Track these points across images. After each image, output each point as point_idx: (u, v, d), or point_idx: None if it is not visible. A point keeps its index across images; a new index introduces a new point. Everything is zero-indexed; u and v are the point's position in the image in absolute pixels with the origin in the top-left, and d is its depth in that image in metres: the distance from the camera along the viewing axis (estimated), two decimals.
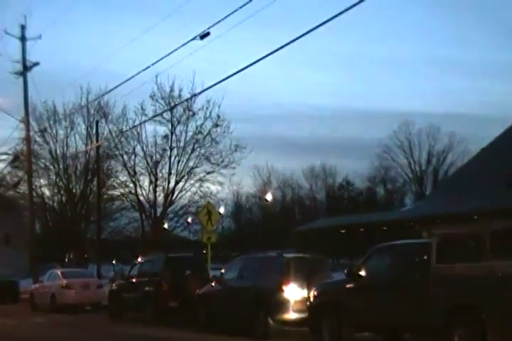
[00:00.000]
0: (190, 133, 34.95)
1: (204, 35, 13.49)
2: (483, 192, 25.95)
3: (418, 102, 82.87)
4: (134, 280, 18.43)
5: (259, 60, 12.79)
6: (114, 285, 19.97)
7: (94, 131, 35.46)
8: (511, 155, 27.19)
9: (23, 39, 28.34)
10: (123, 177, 36.77)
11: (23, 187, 36.92)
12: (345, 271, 11.66)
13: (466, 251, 9.55)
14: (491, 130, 48.44)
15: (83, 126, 38.61)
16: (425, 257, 10.04)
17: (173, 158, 35.33)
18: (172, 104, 33.39)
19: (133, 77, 17.82)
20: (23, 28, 28.34)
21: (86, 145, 38.11)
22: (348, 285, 11.38)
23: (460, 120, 62.23)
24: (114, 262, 44.53)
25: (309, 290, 12.45)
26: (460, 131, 58.07)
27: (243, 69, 13.41)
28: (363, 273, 11.19)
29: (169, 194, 35.71)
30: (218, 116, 34.34)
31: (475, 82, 76.40)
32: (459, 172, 35.70)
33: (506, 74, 73.76)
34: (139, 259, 20.21)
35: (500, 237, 9.04)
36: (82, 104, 36.57)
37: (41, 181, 39.44)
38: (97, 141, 33.45)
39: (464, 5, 74.25)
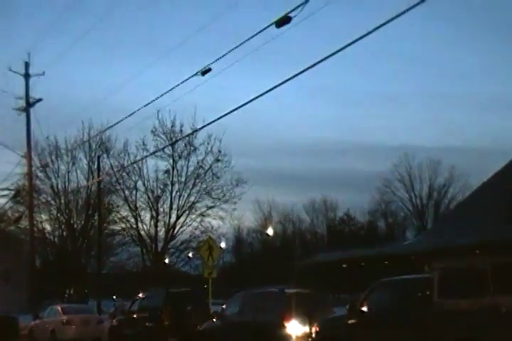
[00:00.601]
0: (191, 168, 35.25)
1: (205, 71, 13.73)
2: (484, 225, 25.97)
3: (418, 136, 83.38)
4: (134, 315, 18.33)
5: (260, 95, 12.99)
6: (114, 320, 19.86)
7: (95, 165, 35.68)
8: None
9: (26, 76, 28.79)
10: (124, 211, 36.88)
11: (24, 223, 36.87)
12: (347, 307, 11.64)
13: (468, 285, 9.56)
14: (491, 164, 48.66)
15: (85, 161, 38.89)
16: (427, 292, 10.06)
17: (174, 193, 35.53)
18: (173, 139, 33.74)
19: (134, 112, 18.11)
20: (27, 65, 28.81)
21: (87, 180, 38.28)
22: (350, 321, 11.34)
23: (460, 154, 62.58)
24: (114, 297, 44.12)
25: (311, 325, 12.41)
26: (461, 165, 58.29)
27: (244, 104, 13.61)
28: (364, 308, 11.18)
29: (170, 229, 35.73)
30: (219, 151, 34.69)
31: (475, 116, 77.13)
32: (460, 206, 35.75)
33: (507, 108, 74.54)
34: (140, 294, 20.13)
35: (501, 271, 9.08)
36: (84, 139, 36.91)
37: (42, 216, 39.45)
38: (99, 175, 33.63)
39: (462, 40, 75.56)
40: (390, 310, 10.83)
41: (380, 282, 11.63)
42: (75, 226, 39.80)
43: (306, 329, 12.61)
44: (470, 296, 9.33)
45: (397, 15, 9.88)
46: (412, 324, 10.10)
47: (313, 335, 12.06)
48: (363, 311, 11.18)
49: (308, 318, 12.70)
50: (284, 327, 12.73)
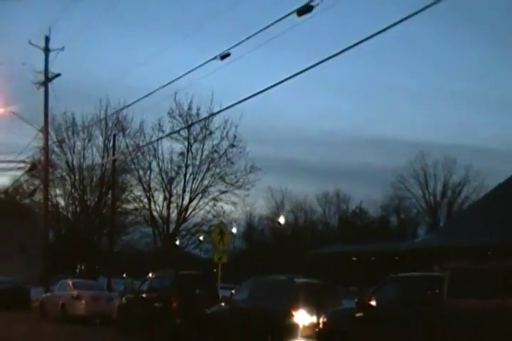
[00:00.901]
0: (206, 152, 35.25)
1: (224, 56, 13.67)
2: (497, 227, 25.81)
3: (435, 134, 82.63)
4: (144, 295, 18.52)
5: (278, 83, 12.90)
6: (124, 299, 20.07)
7: (111, 144, 35.79)
8: None
9: (46, 50, 28.91)
10: (137, 191, 37.06)
11: (39, 196, 37.32)
12: (356, 300, 11.72)
13: (478, 286, 9.60)
14: (508, 165, 48.25)
15: (100, 139, 39.01)
16: (436, 291, 10.10)
17: (188, 176, 35.61)
18: (189, 122, 33.75)
19: (152, 93, 18.12)
20: (47, 39, 28.90)
21: (102, 157, 38.46)
22: (357, 315, 11.43)
23: (477, 154, 62.03)
24: (124, 276, 44.59)
25: (318, 316, 12.51)
26: (476, 165, 57.88)
27: (262, 91, 13.53)
28: (373, 303, 11.25)
29: (183, 211, 35.89)
30: (235, 137, 34.63)
31: (494, 117, 76.35)
32: (474, 206, 35.49)
33: None
34: (150, 275, 20.34)
35: None
36: (101, 117, 36.95)
37: (57, 191, 39.81)
38: (114, 154, 33.80)
39: (486, 41, 74.55)
40: (398, 306, 10.90)
41: (390, 277, 11.70)
42: (89, 203, 40.14)
43: (313, 319, 12.71)
44: (480, 297, 9.37)
45: (420, 11, 9.79)
46: (419, 321, 10.16)
47: (321, 326, 12.17)
48: (371, 305, 11.26)
49: (316, 309, 12.80)
50: (291, 315, 12.83)
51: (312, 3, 10.99)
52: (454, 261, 10.94)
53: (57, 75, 28.96)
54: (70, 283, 23.06)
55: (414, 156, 59.83)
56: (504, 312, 8.92)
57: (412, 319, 10.39)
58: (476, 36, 72.60)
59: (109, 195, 36.43)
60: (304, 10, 11.13)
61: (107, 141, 38.40)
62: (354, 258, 40.72)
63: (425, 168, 60.72)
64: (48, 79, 28.99)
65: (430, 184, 61.54)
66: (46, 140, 29.74)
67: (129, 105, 23.03)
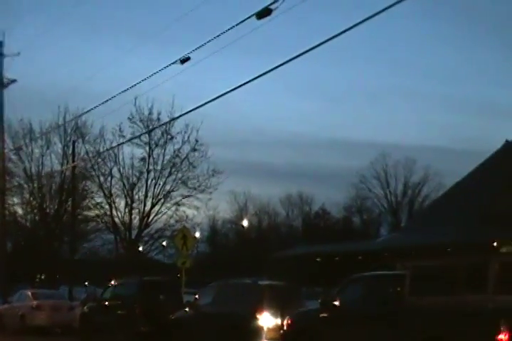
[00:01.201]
0: (167, 157, 34.94)
1: (184, 60, 13.67)
2: (457, 225, 26.34)
3: (395, 134, 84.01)
4: (106, 303, 18.23)
5: (240, 86, 12.96)
6: (85, 307, 19.72)
7: (70, 150, 35.24)
8: (485, 190, 27.73)
9: (0, 55, 28.28)
10: (98, 198, 36.48)
11: None
12: (320, 301, 11.75)
13: (440, 284, 9.72)
14: (465, 164, 49.31)
15: (59, 146, 38.28)
16: (398, 289, 10.20)
17: (149, 181, 35.23)
18: (150, 127, 33.44)
19: (112, 98, 17.89)
20: (1, 44, 28.25)
21: (62, 164, 37.79)
22: (322, 315, 11.45)
23: (436, 154, 63.28)
24: (86, 284, 43.83)
25: (283, 318, 12.50)
26: (436, 165, 59.02)
27: (223, 94, 13.58)
28: (337, 303, 11.29)
29: (145, 217, 35.51)
30: (196, 141, 34.43)
31: (451, 117, 77.93)
32: (434, 205, 36.22)
33: (482, 110, 75.48)
34: (113, 282, 20.03)
35: (472, 271, 9.24)
36: (59, 123, 36.40)
37: (14, 199, 38.92)
38: (73, 161, 33.26)
39: (447, 41, 76.13)
40: (361, 305, 10.96)
41: (352, 277, 11.76)
42: (48, 211, 39.33)
43: (278, 321, 12.70)
44: (440, 294, 9.49)
45: (380, 11, 9.87)
46: (383, 320, 10.23)
47: (285, 328, 12.15)
48: (335, 305, 11.29)
49: (280, 310, 12.79)
50: (256, 318, 12.80)
51: (271, 7, 11.00)
52: (415, 259, 11.08)
53: (13, 81, 28.34)
54: (29, 293, 22.56)
55: (375, 157, 60.74)
56: (462, 308, 9.04)
57: (375, 318, 10.46)
58: (436, 35, 74.02)
59: (69, 202, 35.80)
60: (264, 13, 11.13)
61: (66, 148, 37.76)
62: (318, 259, 40.96)
63: (386, 168, 61.68)
64: (2, 85, 28.34)
65: (391, 184, 62.55)
66: (2, 148, 29.09)
67: (89, 111, 22.69)
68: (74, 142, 34.29)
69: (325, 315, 11.39)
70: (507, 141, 31.16)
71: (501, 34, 74.79)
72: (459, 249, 18.04)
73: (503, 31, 74.93)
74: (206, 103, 14.28)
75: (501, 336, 8.46)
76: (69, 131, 37.63)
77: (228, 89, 13.30)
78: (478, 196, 27.64)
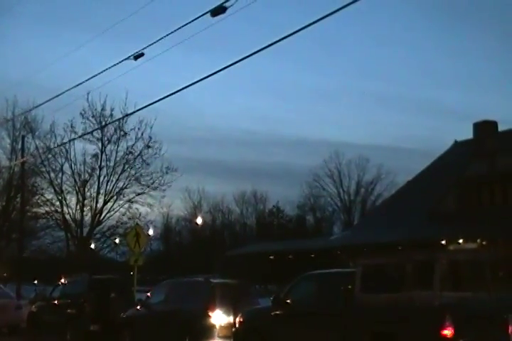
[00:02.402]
0: (120, 154, 34.48)
1: (138, 56, 13.54)
2: (407, 223, 26.86)
3: (348, 133, 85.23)
4: (55, 301, 17.88)
5: (194, 83, 12.86)
6: (34, 306, 19.30)
7: (19, 146, 34.48)
8: (434, 189, 28.36)
9: None
10: (49, 195, 35.70)
11: None
12: (272, 298, 11.79)
13: (389, 281, 9.89)
14: (417, 163, 50.42)
15: (8, 141, 37.28)
16: (349, 286, 10.32)
17: (102, 178, 34.71)
18: (103, 123, 32.95)
19: (63, 93, 17.47)
20: None
21: (10, 160, 36.89)
22: (274, 313, 11.50)
23: (388, 152, 64.55)
24: (35, 282, 42.89)
25: (235, 316, 12.50)
26: (388, 163, 60.26)
27: (177, 91, 13.45)
28: (289, 300, 11.35)
29: (97, 214, 34.96)
30: (150, 138, 34.09)
31: (403, 116, 79.58)
32: (386, 204, 36.83)
33: (433, 111, 77.32)
34: (62, 280, 19.66)
35: (420, 268, 9.44)
36: (8, 117, 35.51)
37: None
38: (23, 156, 32.50)
39: (398, 42, 77.58)
40: (313, 302, 11.05)
41: (304, 275, 11.85)
42: None
43: (230, 319, 12.69)
44: (390, 292, 9.65)
45: (334, 11, 9.95)
46: (333, 317, 10.34)
47: (237, 325, 12.16)
48: (287, 303, 11.35)
49: (232, 308, 12.79)
50: (208, 316, 12.76)
51: (225, 5, 10.96)
52: (366, 257, 11.23)
53: None
54: None
55: (329, 155, 61.42)
56: (410, 305, 9.22)
57: (326, 315, 10.56)
58: (389, 37, 75.36)
59: (18, 199, 34.95)
60: (218, 11, 11.09)
61: (14, 143, 36.85)
62: (271, 257, 41.15)
63: (339, 167, 62.43)
64: None
65: (344, 182, 63.38)
66: None
67: (39, 105, 22.19)
68: (23, 137, 33.51)
69: (277, 312, 11.43)
70: (456, 142, 31.96)
71: (454, 36, 76.71)
72: (409, 247, 18.39)
73: (457, 33, 76.85)
74: (160, 100, 14.15)
75: (446, 331, 8.68)
76: (18, 125, 36.75)
77: (182, 86, 13.22)
78: (427, 195, 28.25)
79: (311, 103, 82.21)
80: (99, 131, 33.46)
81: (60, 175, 34.98)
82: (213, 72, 12.25)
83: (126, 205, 34.97)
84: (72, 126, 33.27)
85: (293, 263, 37.09)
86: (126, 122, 33.49)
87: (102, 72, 15.20)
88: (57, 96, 17.90)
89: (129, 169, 34.64)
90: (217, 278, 15.37)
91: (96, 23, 62.18)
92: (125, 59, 13.82)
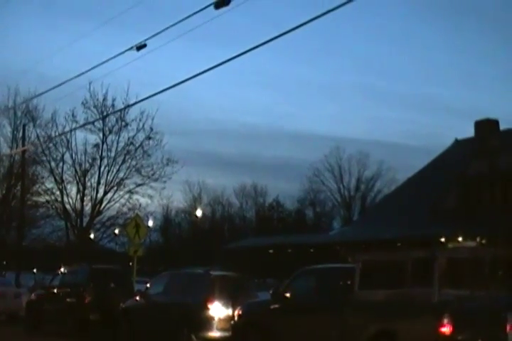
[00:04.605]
0: (121, 144, 34.48)
1: (140, 47, 13.50)
2: (407, 220, 26.92)
3: (349, 129, 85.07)
4: (55, 290, 17.95)
5: (196, 75, 12.81)
6: (33, 295, 19.36)
7: (20, 134, 34.45)
8: (435, 186, 28.40)
9: None
10: (49, 184, 35.74)
11: None
12: (271, 292, 11.84)
13: (388, 277, 9.92)
14: (417, 160, 50.35)
15: (9, 129, 37.28)
16: (348, 282, 10.36)
17: (103, 168, 34.73)
18: (104, 113, 32.91)
19: (65, 82, 17.44)
20: None
21: (11, 148, 36.89)
22: (272, 306, 11.55)
23: (389, 149, 64.38)
24: (35, 271, 43.01)
25: (234, 308, 12.55)
26: (388, 160, 60.05)
27: (179, 83, 13.42)
28: (288, 294, 11.40)
29: (97, 204, 35.00)
30: (151, 129, 34.09)
31: (404, 113, 79.45)
32: (386, 200, 36.88)
33: (436, 109, 77.16)
34: (62, 269, 19.71)
35: (419, 265, 9.47)
36: (9, 105, 35.46)
37: None
38: (24, 145, 32.52)
39: (401, 40, 77.41)
40: (311, 297, 11.10)
41: (304, 269, 11.89)
42: None
43: (229, 312, 12.75)
44: (389, 288, 9.69)
45: (337, 7, 9.91)
46: (332, 312, 10.38)
47: (236, 318, 12.21)
48: (286, 297, 11.40)
49: (231, 301, 12.84)
50: (207, 308, 12.82)
51: None
52: (365, 253, 11.26)
53: None
54: None
55: (329, 150, 61.34)
56: (410, 301, 9.25)
57: (324, 310, 10.60)
58: (392, 34, 75.19)
59: (19, 187, 35.00)
60: (221, 3, 11.07)
61: (15, 131, 36.86)
62: (270, 251, 41.23)
63: (340, 162, 62.37)
64: None
65: (345, 178, 63.30)
66: None
67: (41, 94, 22.22)
68: (24, 126, 33.53)
69: (275, 306, 11.48)
70: (456, 140, 31.97)
71: (457, 33, 76.49)
72: (408, 244, 18.42)
73: (460, 29, 76.63)
74: (162, 91, 14.11)
75: (444, 329, 8.73)
76: (19, 114, 36.74)
77: (184, 78, 13.19)
78: (428, 192, 28.29)
79: (312, 97, 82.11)
80: (100, 121, 33.46)
81: (60, 164, 35.04)
82: (215, 64, 12.24)
83: (127, 196, 35.04)
84: (73, 116, 33.30)
85: (292, 257, 37.18)
86: (127, 113, 33.52)
87: (104, 62, 15.18)
88: (59, 85, 17.89)
89: (129, 160, 34.68)
90: (218, 270, 15.43)
91: (99, 13, 61.98)
92: (127, 50, 13.79)
